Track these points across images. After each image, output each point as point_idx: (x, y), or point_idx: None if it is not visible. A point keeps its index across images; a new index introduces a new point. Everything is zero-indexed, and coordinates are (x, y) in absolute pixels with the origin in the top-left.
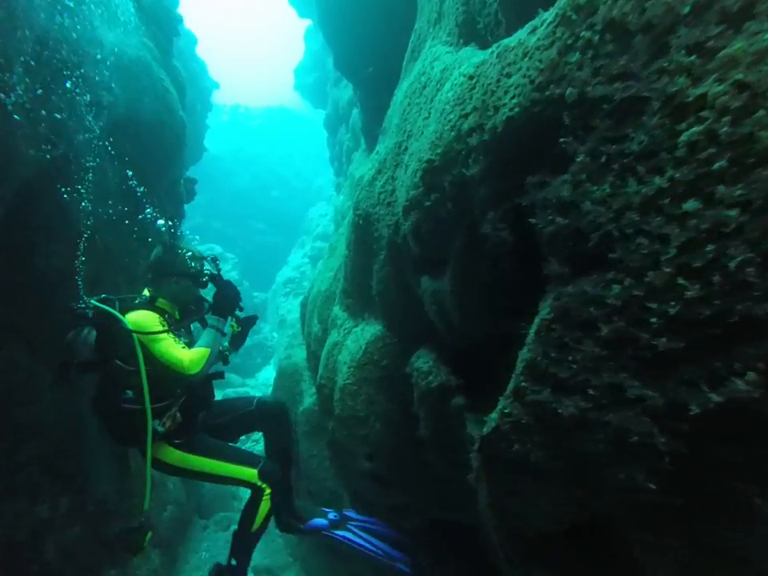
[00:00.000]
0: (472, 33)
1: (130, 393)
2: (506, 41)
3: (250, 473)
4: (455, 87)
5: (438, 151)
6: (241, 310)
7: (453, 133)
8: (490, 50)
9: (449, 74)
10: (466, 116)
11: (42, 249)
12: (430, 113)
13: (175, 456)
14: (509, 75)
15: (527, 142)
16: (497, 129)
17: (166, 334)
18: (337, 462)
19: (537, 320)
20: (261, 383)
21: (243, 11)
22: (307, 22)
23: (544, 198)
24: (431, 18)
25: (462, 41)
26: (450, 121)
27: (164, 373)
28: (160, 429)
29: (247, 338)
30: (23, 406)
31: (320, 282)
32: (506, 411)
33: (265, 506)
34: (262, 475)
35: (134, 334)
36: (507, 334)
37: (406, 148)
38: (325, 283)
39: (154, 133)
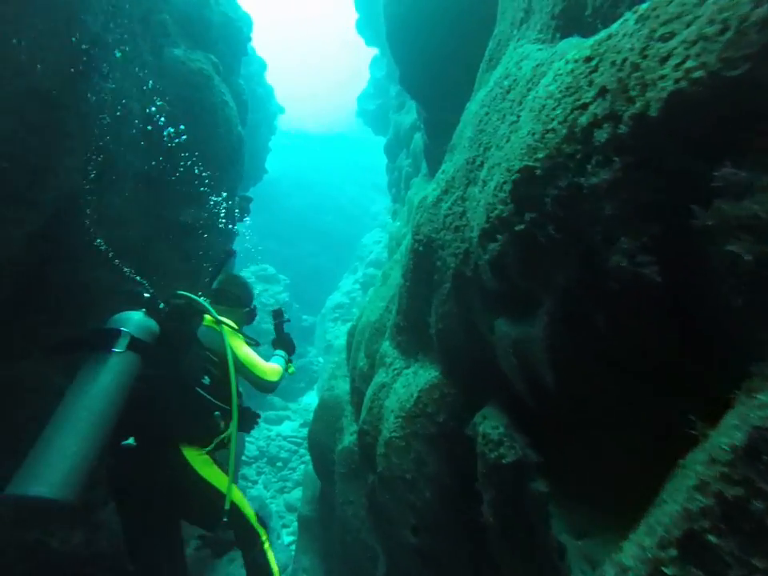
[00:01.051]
0: (574, 22)
1: (207, 379)
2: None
3: (252, 513)
4: (560, 77)
5: (538, 156)
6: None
7: (562, 131)
8: (619, 22)
9: (545, 69)
10: (584, 107)
11: (85, 261)
12: (519, 116)
13: (208, 467)
14: (667, 37)
15: (710, 124)
16: (646, 113)
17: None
18: (376, 524)
19: (712, 442)
20: (303, 408)
21: (311, 38)
22: (373, 52)
23: (741, 215)
24: (516, 18)
25: (558, 35)
26: (554, 117)
27: (244, 374)
28: (222, 426)
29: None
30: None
31: (370, 312)
32: None
33: (270, 554)
34: (260, 520)
35: (225, 328)
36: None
37: (482, 163)
38: (375, 314)
39: (208, 143)
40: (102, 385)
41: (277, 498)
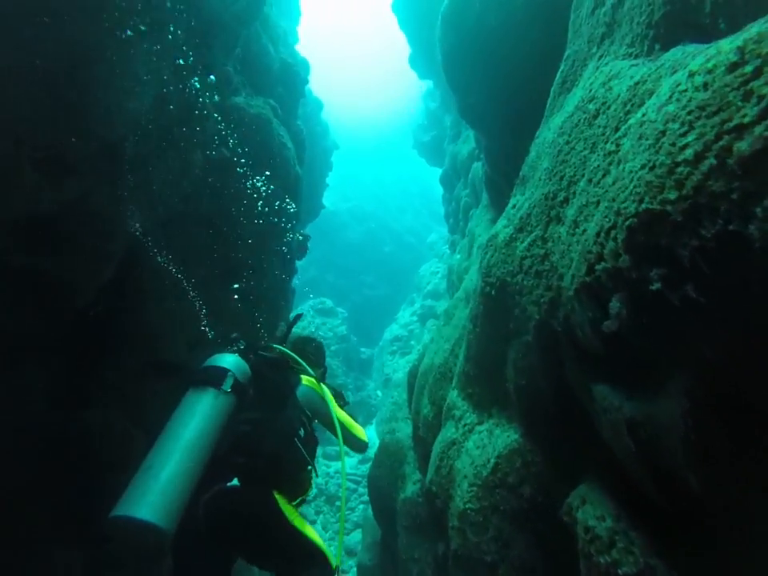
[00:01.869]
0: (682, 27)
1: (302, 432)
2: None
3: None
4: (685, 94)
5: (668, 197)
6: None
7: (704, 163)
8: None
9: (650, 87)
10: (741, 128)
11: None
12: (618, 145)
13: (298, 518)
14: None
15: None
16: None
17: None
18: None
19: None
20: (367, 439)
21: (366, 72)
22: (427, 84)
23: None
24: (595, 34)
25: (658, 45)
26: (686, 145)
27: (344, 433)
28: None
29: (350, 396)
30: (114, 470)
31: (433, 353)
32: None
33: None
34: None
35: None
36: None
37: (567, 199)
38: (439, 356)
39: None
40: (204, 421)
41: (336, 540)
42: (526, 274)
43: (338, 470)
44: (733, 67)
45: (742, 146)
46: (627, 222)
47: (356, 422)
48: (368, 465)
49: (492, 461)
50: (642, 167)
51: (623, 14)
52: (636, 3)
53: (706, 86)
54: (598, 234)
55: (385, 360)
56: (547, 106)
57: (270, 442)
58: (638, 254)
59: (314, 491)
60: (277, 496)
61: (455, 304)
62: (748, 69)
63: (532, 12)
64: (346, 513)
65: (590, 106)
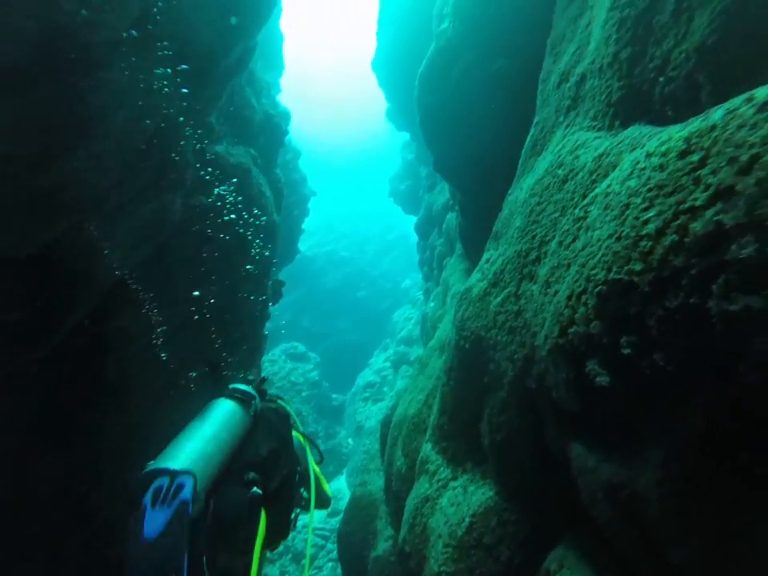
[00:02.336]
0: (637, 110)
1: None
2: None
3: None
4: (644, 172)
5: (634, 268)
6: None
7: (666, 239)
8: (722, 112)
9: (613, 160)
10: (695, 210)
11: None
12: (587, 212)
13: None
14: None
15: None
16: None
17: None
18: None
19: None
20: (331, 494)
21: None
22: (404, 136)
23: None
24: (561, 105)
25: (617, 122)
26: (648, 220)
27: (316, 487)
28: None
29: (320, 443)
30: None
31: (407, 404)
32: None
33: None
34: None
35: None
36: None
37: (539, 257)
38: (413, 407)
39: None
40: (233, 423)
41: None
42: (500, 330)
43: (305, 524)
44: (682, 155)
45: (697, 226)
46: (597, 289)
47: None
48: (337, 518)
49: (467, 519)
50: (609, 236)
51: (586, 91)
52: (596, 84)
53: (662, 167)
54: (569, 297)
55: (357, 407)
56: (519, 166)
57: (281, 469)
58: (609, 321)
59: (280, 548)
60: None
61: (429, 353)
62: (695, 158)
63: (504, 81)
64: (314, 572)
65: (559, 171)
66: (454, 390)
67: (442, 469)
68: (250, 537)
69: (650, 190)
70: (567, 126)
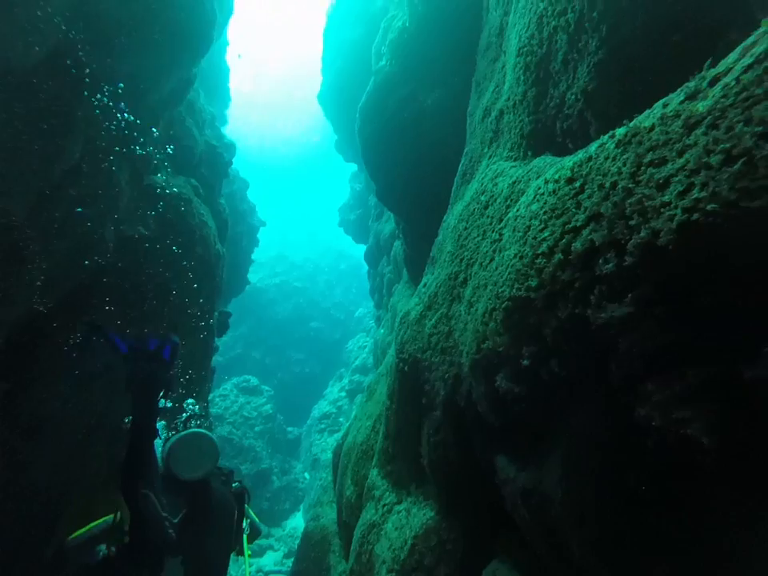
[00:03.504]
0: (544, 142)
1: None
2: (638, 121)
3: None
4: (542, 197)
5: (531, 284)
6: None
7: (555, 256)
8: (596, 145)
9: (522, 187)
10: (576, 230)
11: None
12: (501, 234)
13: None
14: (657, 163)
15: (741, 257)
16: (655, 243)
17: None
18: None
19: None
20: (288, 534)
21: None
22: (352, 167)
23: None
24: (485, 137)
25: (530, 153)
26: (543, 240)
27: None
28: None
29: (276, 479)
30: None
31: (356, 431)
32: None
33: None
34: None
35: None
36: None
37: (465, 279)
38: (362, 434)
39: (186, 261)
40: None
41: None
42: (434, 351)
43: (260, 567)
44: (569, 181)
45: (577, 244)
46: (504, 304)
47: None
48: (292, 559)
49: (409, 542)
50: (515, 256)
51: (504, 124)
52: (512, 118)
53: (554, 192)
54: (484, 314)
55: (313, 439)
56: (452, 194)
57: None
58: (512, 333)
59: None
60: None
61: (377, 379)
62: (577, 184)
63: (437, 112)
64: None
65: (482, 198)
66: (396, 414)
67: (387, 493)
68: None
69: (545, 213)
70: (490, 156)
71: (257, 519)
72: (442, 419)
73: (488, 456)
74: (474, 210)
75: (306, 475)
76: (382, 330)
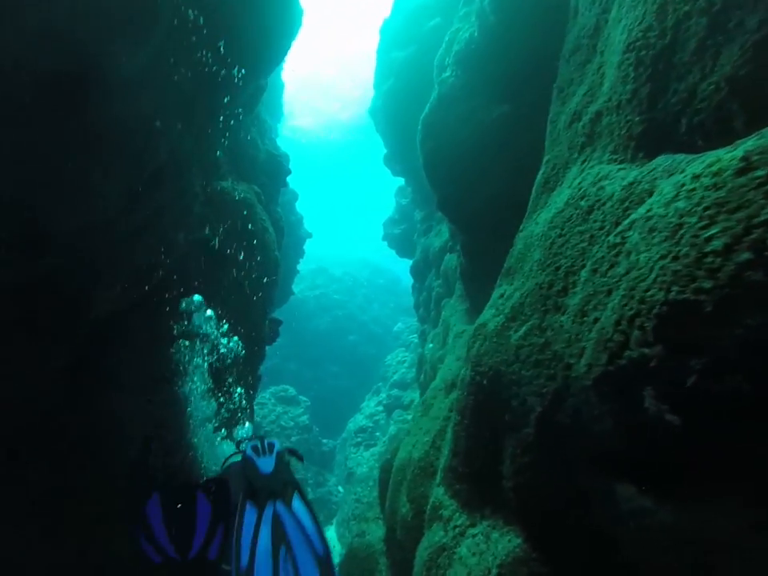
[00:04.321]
0: (660, 141)
1: None
2: None
3: None
4: (694, 193)
5: (702, 286)
6: None
7: (737, 255)
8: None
9: (646, 187)
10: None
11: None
12: (624, 237)
13: None
14: None
15: None
16: None
17: None
18: None
19: None
20: None
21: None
22: (398, 181)
23: None
24: (575, 143)
25: (641, 154)
26: (712, 239)
27: None
28: None
29: (310, 491)
30: None
31: (411, 447)
32: None
33: None
34: None
35: None
36: None
37: (565, 288)
38: (418, 450)
39: (247, 269)
40: None
41: None
42: (524, 364)
43: None
44: (742, 172)
45: None
46: (656, 310)
47: None
48: None
49: (494, 571)
50: (662, 257)
51: (602, 127)
52: (614, 119)
53: (716, 186)
54: (617, 323)
55: (348, 453)
56: (530, 203)
57: None
58: (672, 343)
59: None
60: None
61: (434, 394)
62: (760, 173)
63: (505, 125)
64: None
65: (582, 203)
66: (468, 430)
67: (457, 515)
68: None
69: (706, 209)
70: (584, 161)
71: None
72: (535, 438)
73: (600, 483)
74: (572, 216)
75: (340, 488)
76: (431, 345)
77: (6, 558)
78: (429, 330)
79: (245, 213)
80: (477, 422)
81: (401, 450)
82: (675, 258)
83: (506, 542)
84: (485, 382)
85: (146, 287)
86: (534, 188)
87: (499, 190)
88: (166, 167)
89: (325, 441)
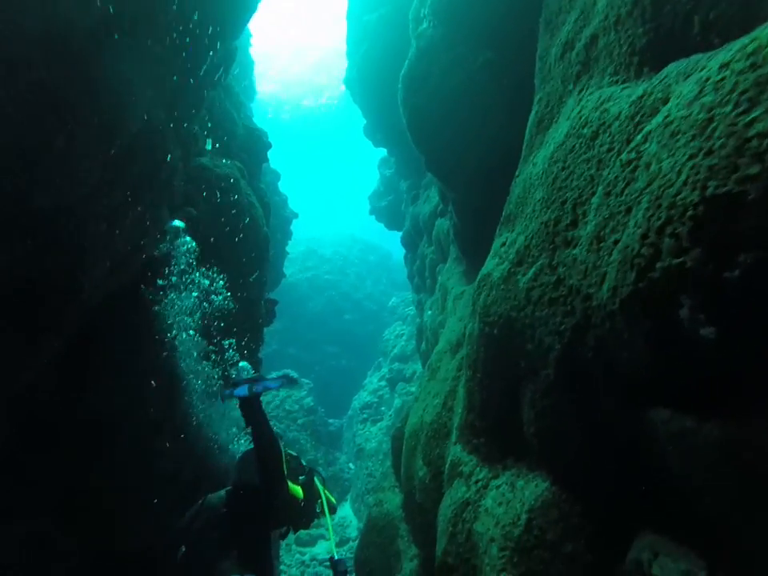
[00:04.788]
0: (667, 51)
1: None
2: None
3: None
4: (723, 83)
5: (749, 173)
6: None
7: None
8: None
9: (660, 96)
10: None
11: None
12: (639, 152)
13: None
14: None
15: None
16: None
17: None
18: None
19: None
20: (337, 523)
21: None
22: (380, 152)
23: None
24: (569, 73)
25: (646, 69)
26: (753, 123)
27: None
28: None
29: (321, 470)
30: None
31: (421, 411)
32: None
33: None
34: None
35: None
36: None
37: (575, 221)
38: (429, 413)
39: (237, 245)
40: None
41: None
42: (537, 305)
43: (314, 555)
44: None
45: None
46: (690, 212)
47: None
48: (346, 547)
49: (523, 517)
50: (692, 157)
51: (599, 50)
52: (613, 38)
53: (754, 65)
54: (644, 237)
55: (356, 430)
56: (524, 146)
57: None
58: (712, 244)
59: None
60: None
61: (438, 357)
62: None
63: (491, 73)
64: None
65: (585, 131)
66: (482, 383)
67: (478, 469)
68: None
69: (742, 93)
70: (581, 90)
71: None
72: (555, 378)
73: (631, 412)
74: (574, 146)
75: (351, 465)
76: (429, 312)
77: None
78: (425, 298)
79: (228, 188)
80: (490, 373)
81: (411, 417)
82: (709, 153)
83: (532, 488)
84: (495, 331)
85: (135, 268)
86: (527, 130)
87: (491, 140)
88: (140, 136)
89: (331, 421)
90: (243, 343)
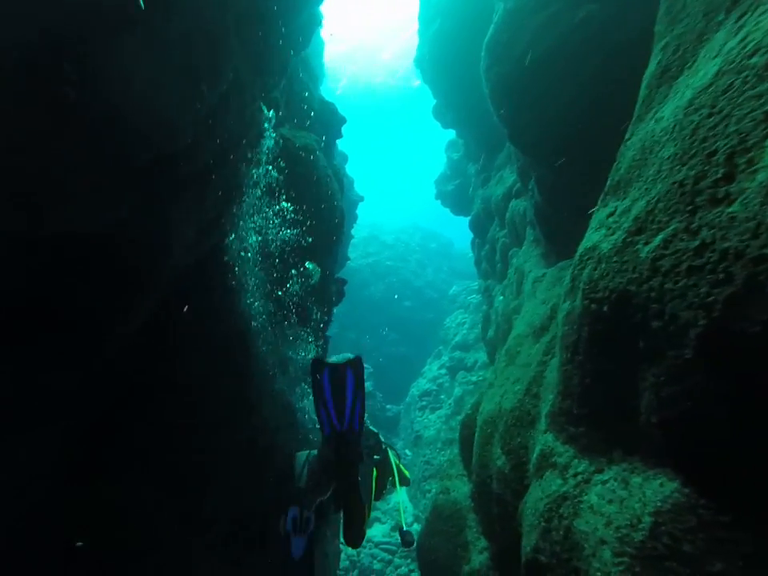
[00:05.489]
0: None
1: None
2: None
3: None
4: None
5: None
6: None
7: None
8: None
9: None
10: None
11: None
12: None
13: None
14: None
15: None
16: None
17: None
18: None
19: None
20: (392, 508)
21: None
22: (449, 135)
23: None
24: (716, 4)
25: None
26: None
27: None
28: None
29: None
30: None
31: (498, 398)
32: None
33: None
34: None
35: None
36: None
37: (729, 175)
38: (509, 400)
39: (315, 218)
40: None
41: None
42: (668, 276)
43: (370, 538)
44: None
45: None
46: None
47: None
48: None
49: (647, 519)
50: None
51: None
52: None
53: None
54: None
55: (414, 417)
56: (639, 104)
57: None
58: None
59: (344, 561)
60: None
61: (518, 342)
62: None
63: (589, 29)
64: None
65: (755, 60)
66: (584, 367)
67: (576, 461)
68: None
69: None
70: (740, 17)
71: None
72: (695, 359)
73: None
74: (733, 83)
75: (408, 452)
76: (501, 297)
77: None
78: (494, 284)
79: (307, 160)
80: (595, 355)
81: (485, 403)
82: None
83: (656, 487)
84: (605, 308)
85: (218, 234)
86: (643, 85)
87: (589, 105)
88: (230, 93)
89: (389, 406)
90: (317, 317)
